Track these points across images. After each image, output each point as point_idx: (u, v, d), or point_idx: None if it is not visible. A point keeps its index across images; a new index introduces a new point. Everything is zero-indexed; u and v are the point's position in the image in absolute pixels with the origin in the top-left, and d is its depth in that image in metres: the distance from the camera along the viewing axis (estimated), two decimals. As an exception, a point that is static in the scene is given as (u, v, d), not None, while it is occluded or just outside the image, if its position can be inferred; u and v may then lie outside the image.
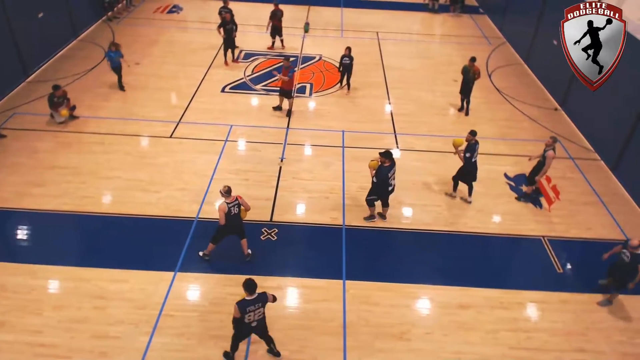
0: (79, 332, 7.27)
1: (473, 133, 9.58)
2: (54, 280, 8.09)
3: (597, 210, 10.22)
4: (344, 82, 14.27)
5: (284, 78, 12.39)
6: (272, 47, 16.88)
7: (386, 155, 8.81)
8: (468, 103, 13.43)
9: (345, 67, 13.83)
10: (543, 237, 9.50)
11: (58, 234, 8.99)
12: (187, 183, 10.32)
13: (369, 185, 10.48)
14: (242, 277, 8.14)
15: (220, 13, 15.96)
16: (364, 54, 16.80)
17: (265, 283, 8.23)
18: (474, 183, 10.10)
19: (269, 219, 9.57)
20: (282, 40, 16.89)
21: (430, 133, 12.61)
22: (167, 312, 7.64)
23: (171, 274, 8.30)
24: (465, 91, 13.23)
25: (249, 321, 6.39)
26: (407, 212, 9.98)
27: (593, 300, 8.24)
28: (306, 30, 18.46)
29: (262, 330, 6.76)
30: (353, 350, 7.25)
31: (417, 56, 17.11)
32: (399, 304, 8.02)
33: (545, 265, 8.91)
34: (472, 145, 9.58)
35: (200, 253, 8.56)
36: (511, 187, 10.73)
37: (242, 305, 6.25)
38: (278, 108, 13.25)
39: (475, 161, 9.73)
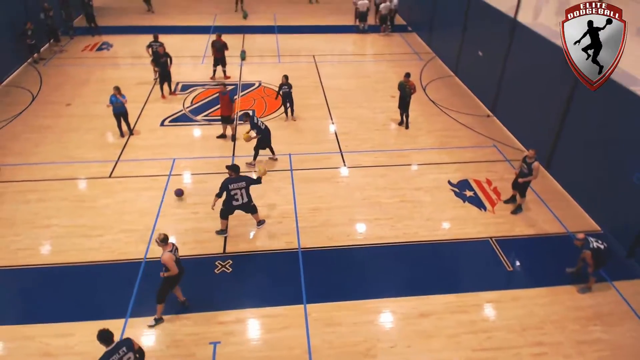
0: (24, 398, 6.69)
1: (246, 114, 11.63)
2: (-8, 343, 7.44)
3: (538, 208, 10.77)
4: (289, 112, 14.26)
5: (233, 106, 12.73)
6: (214, 77, 16.83)
7: (231, 168, 9.26)
8: (407, 117, 13.89)
9: (286, 95, 13.89)
10: (490, 238, 9.87)
11: (-8, 293, 8.31)
12: (131, 223, 9.90)
13: (321, 206, 10.57)
14: (199, 315, 7.98)
15: (150, 47, 15.74)
16: (303, 77, 17.06)
17: (223, 318, 7.97)
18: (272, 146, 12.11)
19: (222, 251, 9.33)
20: (224, 71, 16.85)
21: (374, 149, 12.89)
22: (121, 362, 7.18)
23: (122, 321, 7.85)
24: (403, 105, 13.69)
25: None
26: (360, 228, 10.06)
27: (543, 294, 8.59)
28: (242, 57, 18.52)
29: None
30: (320, 375, 7.13)
31: (354, 76, 17.57)
32: (361, 321, 8.00)
33: (496, 265, 9.23)
34: (253, 124, 11.55)
35: (150, 324, 7.87)
36: (456, 194, 11.11)
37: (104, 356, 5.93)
38: (222, 136, 13.12)
39: (265, 127, 11.68)
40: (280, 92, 13.89)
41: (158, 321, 7.85)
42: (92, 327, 7.65)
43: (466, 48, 16.61)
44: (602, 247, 8.17)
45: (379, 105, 15.19)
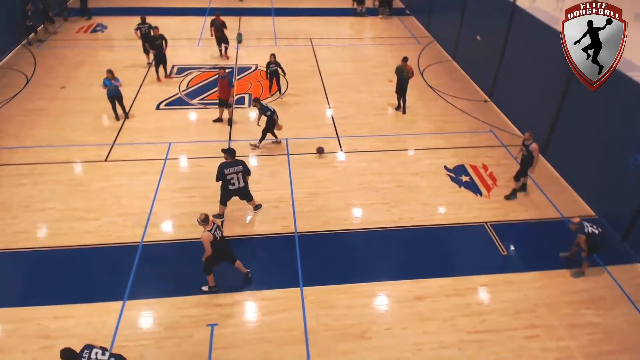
0: (23, 378, 6.76)
1: (257, 100, 11.61)
2: (-10, 325, 7.49)
3: (533, 193, 10.81)
4: (275, 87, 14.42)
5: (231, 91, 12.67)
6: (221, 55, 16.90)
7: (227, 151, 9.20)
8: (404, 101, 13.84)
9: (273, 73, 13.97)
10: (486, 222, 9.93)
11: (-11, 276, 8.33)
12: (128, 207, 9.89)
13: (318, 191, 10.59)
14: (196, 297, 8.05)
15: (138, 29, 15.58)
16: (300, 60, 16.92)
17: (221, 300, 8.04)
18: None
19: (218, 235, 9.37)
20: (225, 48, 16.87)
21: (371, 133, 12.86)
22: (119, 343, 7.27)
23: (120, 303, 7.90)
24: (401, 90, 13.62)
25: None
26: (356, 212, 10.10)
27: (537, 278, 8.68)
28: (239, 40, 18.33)
29: None
30: (317, 357, 7.21)
31: (351, 60, 17.43)
32: (357, 304, 8.09)
33: (490, 249, 9.31)
34: (264, 107, 11.51)
35: (204, 288, 8.16)
36: (452, 179, 11.14)
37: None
38: (218, 120, 13.06)
39: (270, 114, 11.48)
40: (268, 71, 13.87)
41: (212, 289, 8.14)
42: (90, 309, 7.78)
43: (465, 32, 16.48)
44: (596, 232, 8.24)
45: (377, 90, 15.12)
